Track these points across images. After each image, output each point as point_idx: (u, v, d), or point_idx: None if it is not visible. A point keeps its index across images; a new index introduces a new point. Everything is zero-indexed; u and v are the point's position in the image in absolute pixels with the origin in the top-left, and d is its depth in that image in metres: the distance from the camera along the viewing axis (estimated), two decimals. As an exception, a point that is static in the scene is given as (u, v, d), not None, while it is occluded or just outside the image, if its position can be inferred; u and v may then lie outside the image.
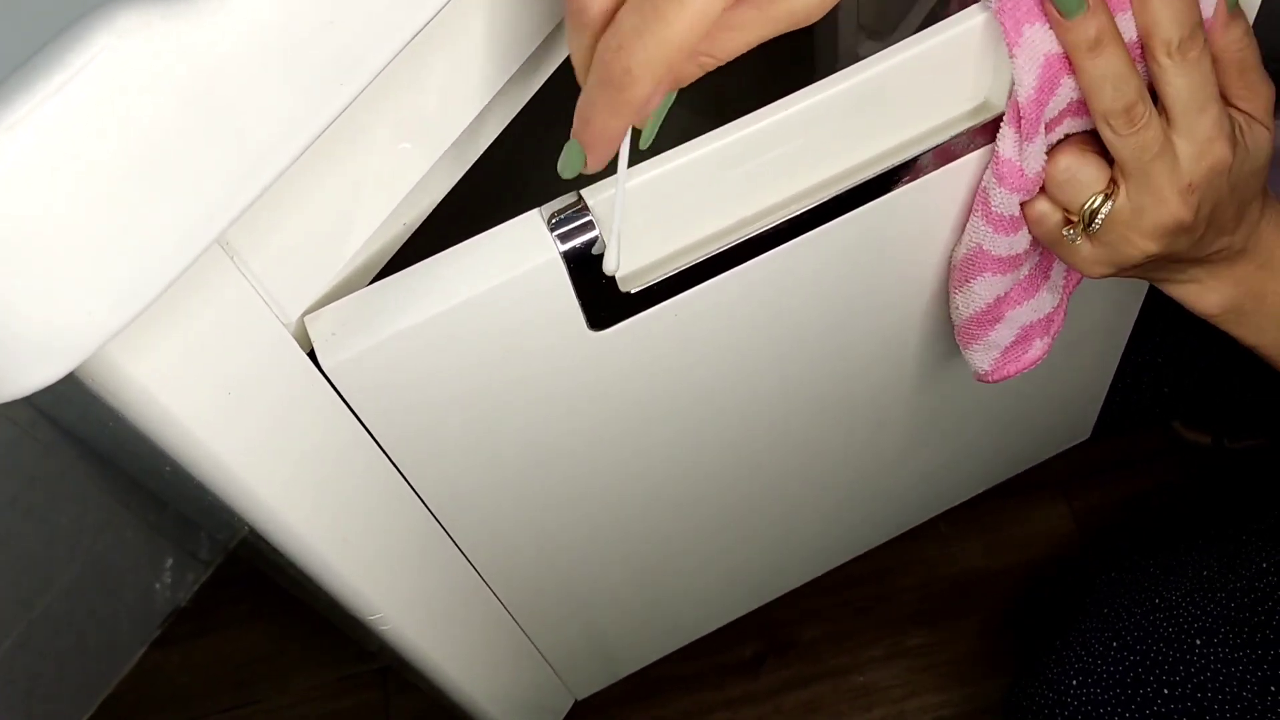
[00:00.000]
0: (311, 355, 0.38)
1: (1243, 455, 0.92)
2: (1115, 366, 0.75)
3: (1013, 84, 0.41)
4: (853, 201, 0.44)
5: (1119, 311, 0.68)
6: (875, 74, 0.40)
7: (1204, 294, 0.49)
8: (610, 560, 0.62)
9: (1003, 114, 0.43)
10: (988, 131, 0.44)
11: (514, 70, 0.39)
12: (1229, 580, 0.62)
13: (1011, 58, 0.39)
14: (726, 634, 0.86)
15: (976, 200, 0.46)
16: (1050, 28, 0.39)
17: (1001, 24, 0.39)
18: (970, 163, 0.45)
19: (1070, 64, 0.40)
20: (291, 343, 0.37)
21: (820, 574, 0.86)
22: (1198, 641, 0.60)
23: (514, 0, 0.37)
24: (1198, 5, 0.40)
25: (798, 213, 0.43)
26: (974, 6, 0.40)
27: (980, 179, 0.46)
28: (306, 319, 0.38)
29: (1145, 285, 0.65)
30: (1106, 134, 0.42)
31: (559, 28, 0.40)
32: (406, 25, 0.31)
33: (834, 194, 0.43)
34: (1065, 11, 0.38)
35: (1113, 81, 0.40)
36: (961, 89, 0.43)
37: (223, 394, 0.35)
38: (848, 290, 0.50)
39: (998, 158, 0.43)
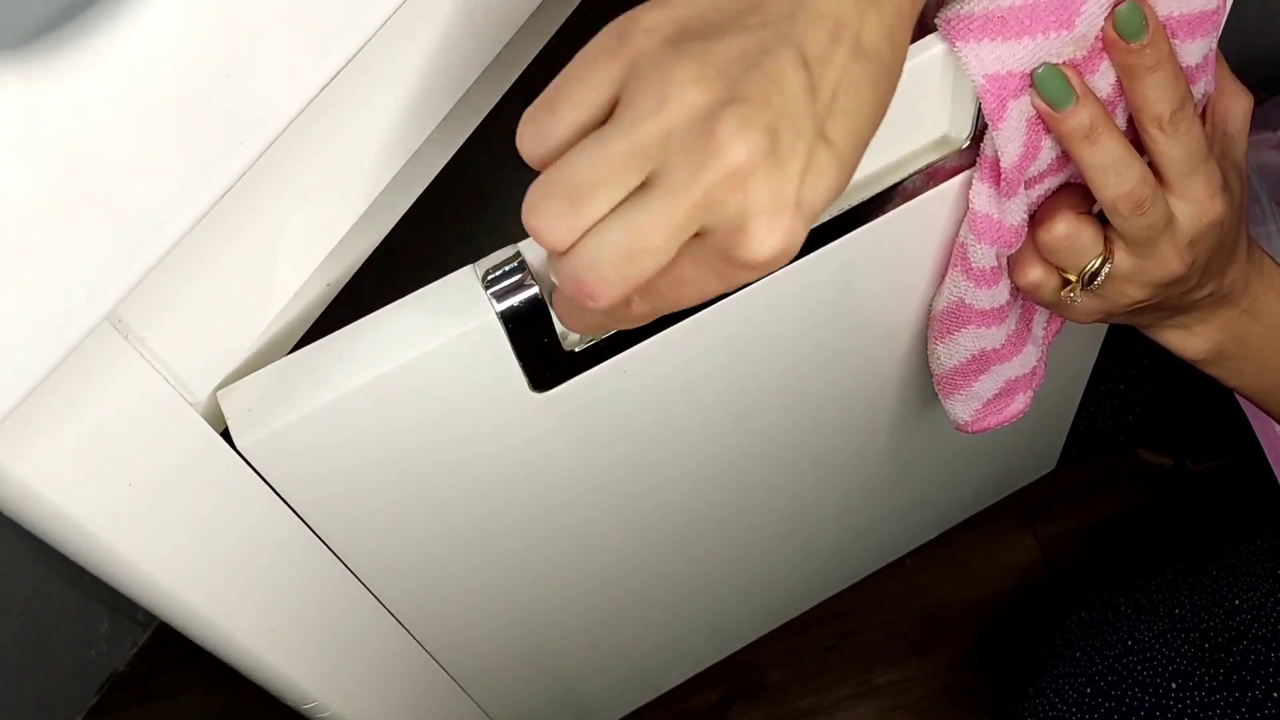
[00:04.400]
0: (226, 434, 0.35)
1: (1205, 477, 0.92)
2: (1079, 398, 0.75)
3: (977, 135, 0.40)
4: (813, 243, 0.42)
5: (1083, 345, 0.68)
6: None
7: (1189, 339, 0.49)
8: (566, 624, 0.60)
9: (963, 162, 0.42)
10: (949, 169, 0.42)
11: (445, 114, 0.37)
12: (1202, 619, 0.61)
13: (995, 131, 0.39)
14: (692, 679, 0.84)
15: (954, 255, 0.46)
16: (1034, 109, 0.39)
17: (985, 102, 0.38)
18: (933, 199, 0.43)
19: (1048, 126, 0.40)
20: (201, 423, 0.34)
21: (788, 619, 0.85)
22: (1173, 685, 0.59)
23: (443, 40, 0.35)
24: (1184, 77, 0.40)
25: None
26: (931, 38, 0.39)
27: (955, 232, 0.45)
28: (219, 394, 0.35)
29: (1108, 319, 0.65)
30: (1115, 219, 0.42)
31: (492, 68, 0.38)
32: (316, 74, 0.28)
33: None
34: (1055, 103, 0.39)
35: (1114, 169, 0.40)
36: (921, 123, 0.41)
37: (123, 486, 0.31)
38: (812, 337, 0.48)
39: (974, 214, 0.43)
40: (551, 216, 0.28)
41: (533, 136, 0.29)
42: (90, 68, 0.23)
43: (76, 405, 0.30)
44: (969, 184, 0.43)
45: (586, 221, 0.28)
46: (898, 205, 0.43)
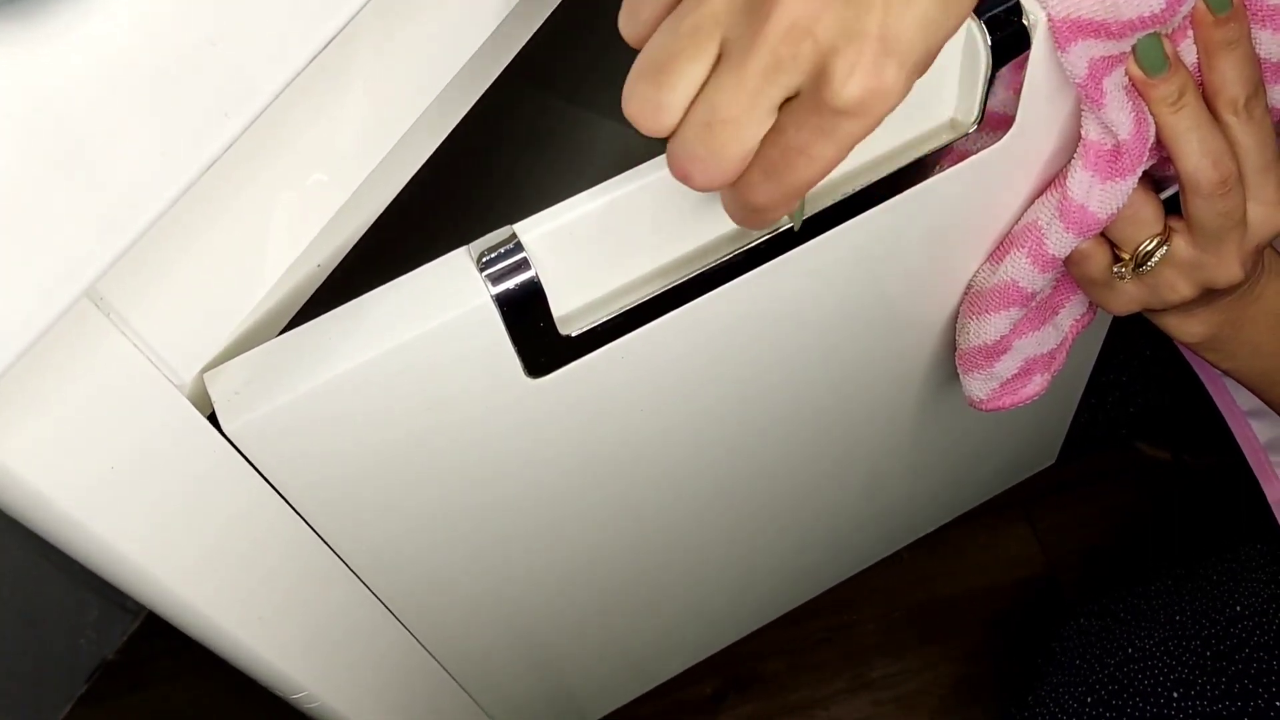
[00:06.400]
0: (212, 418, 0.34)
1: (1204, 472, 0.91)
2: (1082, 390, 0.75)
3: (991, 118, 0.40)
4: (818, 227, 0.41)
5: (1087, 338, 0.67)
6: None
7: (1187, 322, 0.49)
8: (560, 614, 0.59)
9: (970, 146, 0.41)
10: (958, 152, 0.42)
11: (441, 88, 0.36)
12: (1203, 626, 0.61)
13: (1100, 110, 0.40)
14: (685, 670, 0.84)
15: (1025, 238, 0.46)
16: (1128, 76, 0.40)
17: (1084, 89, 0.39)
18: (942, 183, 0.43)
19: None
20: (186, 406, 0.33)
21: (784, 612, 0.84)
22: (1175, 694, 0.59)
23: (439, 14, 0.34)
24: (1258, 63, 0.41)
25: (756, 242, 0.40)
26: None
27: (970, 215, 0.45)
28: (206, 377, 0.34)
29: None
30: (1194, 199, 0.42)
31: (490, 41, 0.37)
32: (307, 43, 0.27)
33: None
34: (1150, 70, 0.39)
35: (1198, 134, 0.41)
36: (928, 106, 0.41)
37: (105, 469, 0.31)
38: (815, 325, 0.47)
39: (1069, 202, 0.43)
40: (639, 98, 0.29)
41: (626, 17, 0.31)
42: (69, 33, 0.22)
43: (57, 387, 0.29)
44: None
45: (670, 97, 0.29)
46: (903, 190, 0.42)
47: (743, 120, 0.28)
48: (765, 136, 0.29)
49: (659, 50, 0.29)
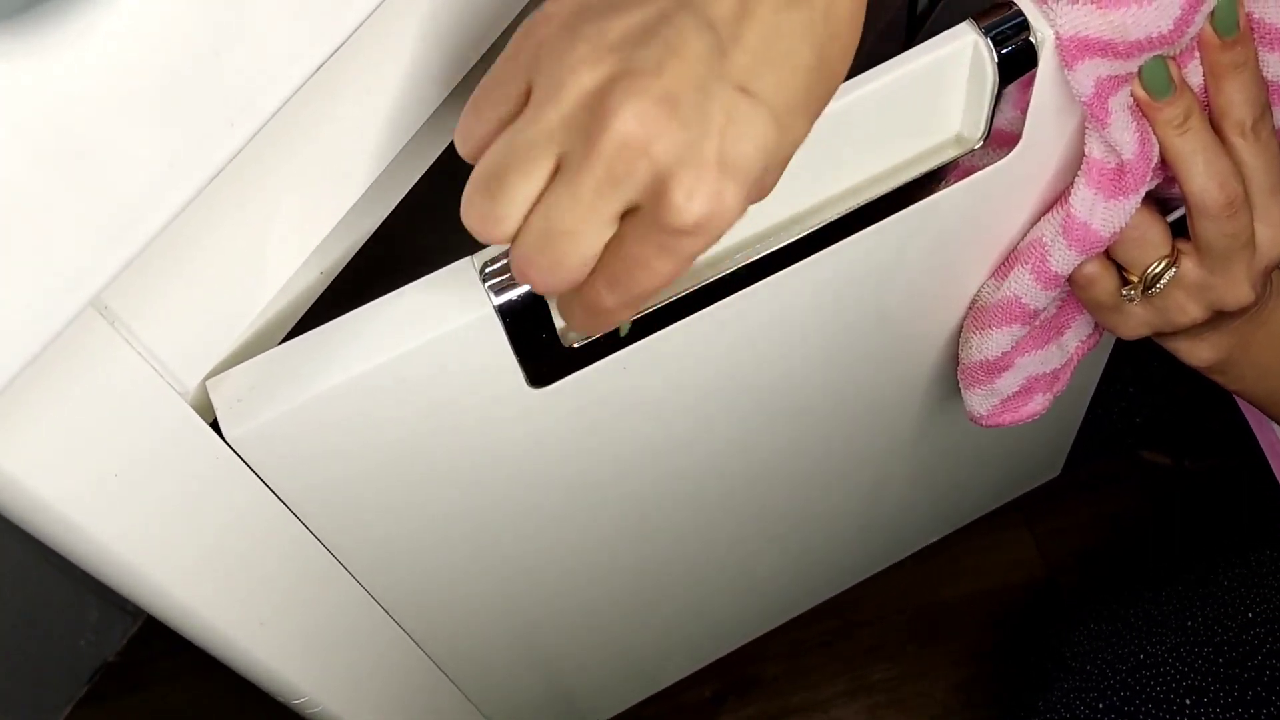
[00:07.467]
0: (215, 425, 0.34)
1: (1205, 475, 0.91)
2: (1086, 406, 0.74)
3: (995, 135, 0.40)
4: (824, 239, 0.41)
5: (1092, 354, 0.67)
6: (851, 101, 0.37)
7: (1197, 347, 0.49)
8: (562, 620, 0.59)
9: (976, 162, 0.41)
10: (963, 168, 0.42)
11: (445, 96, 0.36)
12: (1215, 633, 0.61)
13: (1104, 129, 0.40)
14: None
15: (1029, 254, 0.46)
16: (1133, 97, 0.40)
17: (1090, 109, 0.39)
18: (943, 200, 0.42)
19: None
20: (189, 413, 0.33)
21: (787, 619, 0.85)
22: (1188, 701, 0.59)
23: (443, 19, 0.34)
24: (1265, 85, 0.41)
25: (759, 255, 0.40)
26: (961, 27, 0.38)
27: (978, 230, 0.45)
28: (209, 384, 0.34)
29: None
30: (1201, 221, 0.42)
31: (494, 48, 0.37)
32: (311, 54, 0.27)
33: (804, 233, 0.40)
34: (1155, 93, 0.39)
35: (1204, 156, 0.41)
36: (933, 121, 0.41)
37: (108, 475, 0.31)
38: (817, 337, 0.47)
39: (1072, 219, 0.43)
40: (475, 210, 0.29)
41: (462, 136, 0.30)
42: (73, 44, 0.22)
43: (62, 395, 0.29)
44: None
45: (506, 209, 0.29)
46: (908, 205, 0.42)
47: (580, 231, 0.29)
48: (608, 245, 0.29)
49: (493, 163, 0.29)
